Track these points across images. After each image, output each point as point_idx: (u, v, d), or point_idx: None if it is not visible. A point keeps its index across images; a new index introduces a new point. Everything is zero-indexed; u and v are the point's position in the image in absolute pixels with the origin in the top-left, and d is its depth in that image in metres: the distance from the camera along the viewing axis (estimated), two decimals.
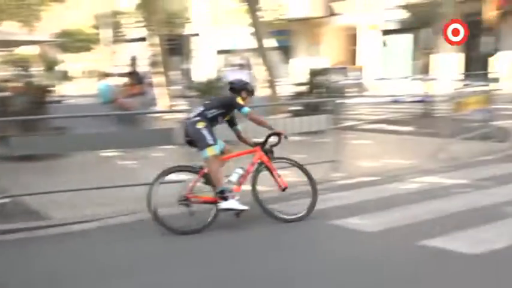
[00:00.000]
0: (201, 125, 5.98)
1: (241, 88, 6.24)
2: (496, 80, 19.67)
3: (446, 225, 5.75)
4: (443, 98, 13.35)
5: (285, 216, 6.15)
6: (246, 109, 6.02)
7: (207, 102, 6.26)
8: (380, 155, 10.26)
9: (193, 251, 5.45)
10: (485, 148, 10.48)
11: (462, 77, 22.53)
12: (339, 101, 9.34)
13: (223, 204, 5.97)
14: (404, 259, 4.94)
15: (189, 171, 6.10)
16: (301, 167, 6.39)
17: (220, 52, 35.31)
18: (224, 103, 6.17)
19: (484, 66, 22.41)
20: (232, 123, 6.38)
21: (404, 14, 23.96)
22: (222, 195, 5.97)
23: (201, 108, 6.13)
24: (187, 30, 34.89)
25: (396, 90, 24.30)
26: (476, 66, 25.21)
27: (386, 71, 28.58)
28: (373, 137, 12.97)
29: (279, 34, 32.66)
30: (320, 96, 12.85)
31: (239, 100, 6.08)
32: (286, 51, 33.52)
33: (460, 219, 5.97)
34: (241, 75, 20.55)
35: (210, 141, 5.95)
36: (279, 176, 6.22)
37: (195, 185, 6.04)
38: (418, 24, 23.65)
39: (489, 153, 10.01)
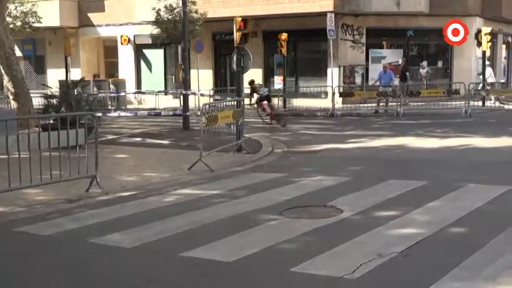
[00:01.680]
0: None
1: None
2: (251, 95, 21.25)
3: (205, 235, 5.99)
4: (198, 112, 13.93)
5: None
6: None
7: None
8: (140, 169, 10.29)
9: None
10: (237, 159, 11.21)
11: (212, 92, 23.79)
12: (98, 114, 9.13)
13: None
14: (166, 271, 5.02)
15: None
16: None
17: None
18: None
19: (234, 82, 24.07)
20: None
21: (155, 30, 24.52)
22: None
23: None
24: None
25: (156, 103, 24.64)
26: (226, 82, 26.90)
27: (145, 85, 28.82)
28: (134, 150, 12.96)
29: (30, 43, 30.80)
30: (72, 109, 12.40)
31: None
32: (41, 61, 31.70)
33: (217, 228, 6.27)
34: None
35: None
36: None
37: None
38: (169, 40, 24.35)
39: (241, 164, 10.72)
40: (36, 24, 26.80)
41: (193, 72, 21.84)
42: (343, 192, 7.88)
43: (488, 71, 23.56)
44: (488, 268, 4.74)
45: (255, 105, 18.71)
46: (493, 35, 24.56)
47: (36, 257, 5.49)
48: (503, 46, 30.17)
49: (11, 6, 24.53)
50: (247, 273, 4.92)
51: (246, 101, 14.63)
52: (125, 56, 29.49)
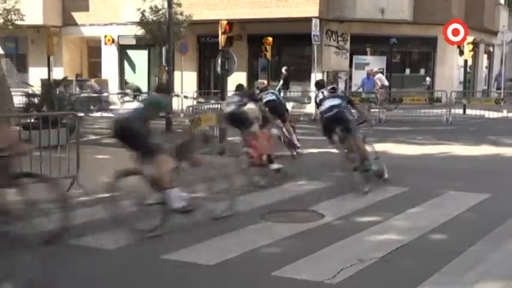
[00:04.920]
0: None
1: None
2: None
3: (186, 237, 5.97)
4: (181, 114, 13.89)
5: None
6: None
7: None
8: None
9: None
10: (221, 162, 11.17)
11: (196, 94, 23.72)
12: (79, 114, 9.07)
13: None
14: (146, 274, 4.99)
15: None
16: None
17: None
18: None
19: (218, 85, 24.02)
20: None
21: (139, 31, 24.38)
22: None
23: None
24: None
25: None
26: (210, 85, 26.86)
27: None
28: (116, 151, 12.80)
29: (12, 41, 30.48)
30: (54, 109, 12.28)
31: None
32: (23, 59, 31.38)
33: (198, 231, 6.25)
34: None
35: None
36: None
37: None
38: (153, 41, 24.24)
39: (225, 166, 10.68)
40: (19, 22, 26.51)
41: (177, 74, 21.78)
42: (325, 197, 7.91)
43: (377, 76, 23.17)
44: (467, 274, 4.79)
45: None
46: (475, 44, 24.85)
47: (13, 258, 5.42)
48: (485, 55, 30.56)
49: None
50: (228, 277, 4.92)
51: None
52: (109, 57, 29.32)
